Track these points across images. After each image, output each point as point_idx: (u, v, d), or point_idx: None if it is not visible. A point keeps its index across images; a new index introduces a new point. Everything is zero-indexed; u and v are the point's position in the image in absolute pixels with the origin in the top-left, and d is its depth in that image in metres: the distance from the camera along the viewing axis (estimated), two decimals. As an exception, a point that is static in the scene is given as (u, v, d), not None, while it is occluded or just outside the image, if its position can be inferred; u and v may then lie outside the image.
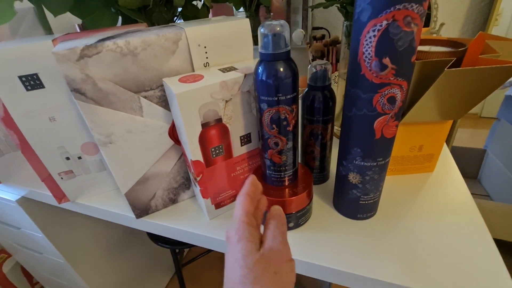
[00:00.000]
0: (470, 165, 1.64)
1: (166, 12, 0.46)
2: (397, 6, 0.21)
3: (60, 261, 0.63)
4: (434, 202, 0.36)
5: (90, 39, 0.29)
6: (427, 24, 0.57)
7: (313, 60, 0.62)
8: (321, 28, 0.71)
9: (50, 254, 0.63)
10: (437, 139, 0.39)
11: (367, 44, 0.23)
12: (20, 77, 0.33)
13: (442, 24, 0.51)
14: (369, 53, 0.24)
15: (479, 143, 1.83)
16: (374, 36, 0.23)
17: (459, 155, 1.60)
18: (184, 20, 0.50)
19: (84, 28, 0.73)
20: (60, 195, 0.43)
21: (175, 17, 0.50)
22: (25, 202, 0.53)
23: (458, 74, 0.27)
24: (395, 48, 0.23)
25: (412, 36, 0.22)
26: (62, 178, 0.41)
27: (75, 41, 0.29)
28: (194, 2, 0.51)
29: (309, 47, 0.61)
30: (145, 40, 0.29)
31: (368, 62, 0.24)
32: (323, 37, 0.63)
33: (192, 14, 0.49)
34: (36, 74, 0.33)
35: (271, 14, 0.92)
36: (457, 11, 0.56)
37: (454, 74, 0.27)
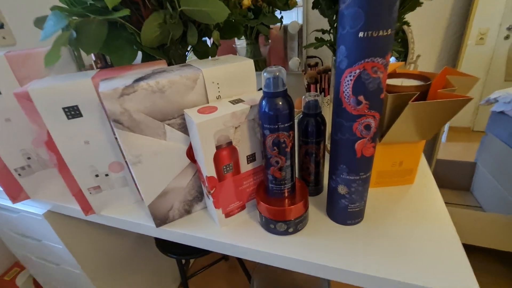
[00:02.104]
0: (462, 177, 1.70)
1: (181, 48, 0.54)
2: (366, 60, 0.28)
3: (77, 272, 0.68)
4: (413, 210, 0.42)
5: (126, 79, 0.36)
6: (406, 56, 0.65)
7: (307, 85, 0.70)
8: (315, 56, 0.79)
9: (68, 265, 0.68)
10: (414, 156, 0.45)
11: (346, 86, 0.31)
12: (63, 108, 0.40)
13: (418, 56, 0.59)
14: (347, 92, 0.31)
15: (471, 156, 1.90)
16: (351, 80, 0.30)
17: (451, 168, 1.67)
18: (195, 54, 0.58)
19: (99, 57, 0.82)
20: (87, 208, 0.49)
21: (187, 52, 0.57)
22: (50, 216, 0.58)
23: (419, 106, 0.34)
24: (367, 89, 0.30)
25: (379, 80, 0.29)
26: (90, 192, 0.47)
27: (114, 81, 0.36)
28: (204, 39, 0.59)
29: (304, 73, 0.69)
30: (170, 80, 0.36)
31: (347, 98, 0.31)
32: (316, 64, 0.71)
33: (203, 50, 0.57)
34: (76, 106, 0.40)
35: (269, 41, 1.01)
36: (433, 43, 0.65)
37: (417, 106, 0.34)
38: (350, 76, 0.30)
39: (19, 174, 0.54)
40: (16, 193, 0.54)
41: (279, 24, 0.92)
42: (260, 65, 1.02)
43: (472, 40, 1.18)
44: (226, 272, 1.18)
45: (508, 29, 1.13)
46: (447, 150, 1.70)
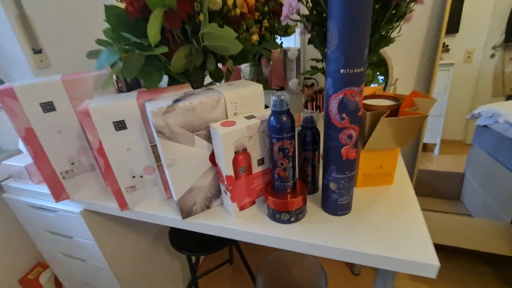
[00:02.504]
0: (453, 187, 1.80)
1: (200, 73, 0.66)
2: (346, 88, 0.39)
3: (101, 266, 0.77)
4: (390, 204, 0.53)
5: (167, 100, 0.47)
6: (387, 79, 0.77)
7: (305, 102, 0.81)
8: (311, 78, 0.91)
9: (94, 260, 0.77)
10: (391, 161, 0.56)
11: (333, 106, 0.42)
12: (113, 122, 0.50)
13: (397, 79, 0.70)
14: (334, 111, 0.42)
15: (462, 167, 2.01)
16: (336, 102, 0.41)
17: (442, 178, 1.77)
18: (211, 77, 0.70)
19: (120, 79, 0.93)
20: (123, 204, 0.58)
21: (205, 76, 0.69)
22: (86, 214, 0.68)
23: (388, 120, 0.45)
24: (347, 109, 0.41)
25: (356, 103, 0.41)
26: (127, 191, 0.57)
27: (157, 102, 0.47)
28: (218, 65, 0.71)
29: (302, 92, 0.81)
30: (200, 101, 0.47)
31: (334, 115, 0.42)
32: (312, 85, 0.82)
33: (218, 74, 0.68)
34: (123, 120, 0.51)
35: (271, 63, 1.14)
36: (410, 68, 0.77)
37: (387, 120, 0.45)
38: (335, 99, 0.41)
39: (63, 177, 0.64)
40: (59, 193, 0.64)
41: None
42: (262, 84, 1.14)
43: (459, 59, 1.30)
44: (231, 275, 1.26)
45: (493, 48, 1.21)
46: (440, 162, 1.80)
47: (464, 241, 1.37)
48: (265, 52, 1.11)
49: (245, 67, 1.16)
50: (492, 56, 1.23)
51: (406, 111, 0.47)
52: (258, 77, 1.17)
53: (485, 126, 1.50)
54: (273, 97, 0.44)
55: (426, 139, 1.60)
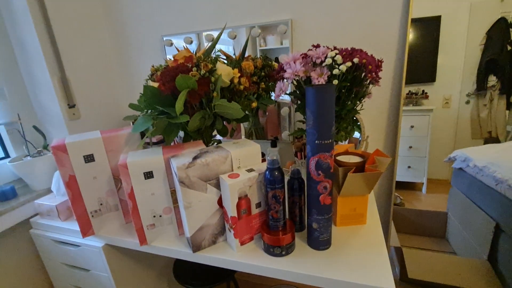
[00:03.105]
0: (438, 225, 1.91)
1: (210, 131, 0.82)
2: (320, 153, 0.55)
3: (113, 298, 0.85)
4: (362, 241, 0.65)
5: (187, 157, 0.62)
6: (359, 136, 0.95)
7: (295, 152, 0.97)
8: (301, 129, 1.08)
9: (107, 292, 0.85)
10: (362, 204, 0.70)
11: (311, 165, 0.57)
12: (144, 173, 0.65)
13: (367, 136, 0.87)
14: (313, 168, 0.57)
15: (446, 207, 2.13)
16: (313, 162, 0.56)
17: (428, 217, 1.89)
18: (218, 134, 0.86)
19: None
20: (143, 240, 0.70)
21: (213, 132, 0.85)
22: (106, 248, 0.79)
23: (354, 175, 0.61)
24: (322, 167, 0.56)
25: (328, 163, 0.56)
26: (148, 228, 0.69)
27: (180, 158, 0.62)
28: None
29: (293, 144, 0.97)
30: (213, 158, 0.62)
31: (313, 172, 0.57)
32: (301, 137, 0.99)
33: (225, 131, 0.85)
34: (151, 171, 0.65)
35: (266, 113, 1.33)
36: (378, 127, 0.95)
37: (352, 175, 0.61)
38: (313, 161, 0.56)
39: (92, 216, 0.76)
40: (87, 230, 0.76)
41: (274, 103, 1.24)
42: (259, 132, 1.32)
43: (438, 105, 1.48)
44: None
45: (467, 95, 1.35)
46: (427, 201, 1.92)
47: (446, 278, 1.45)
48: (261, 106, 1.30)
49: (244, 117, 1.34)
50: (467, 102, 1.36)
51: (367, 168, 0.63)
52: (255, 126, 1.34)
53: (460, 168, 1.66)
54: (268, 158, 0.59)
55: (414, 178, 1.75)
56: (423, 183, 1.81)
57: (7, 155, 1.03)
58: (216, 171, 0.63)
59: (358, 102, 0.71)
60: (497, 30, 1.29)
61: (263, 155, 1.17)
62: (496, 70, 1.29)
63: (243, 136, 1.29)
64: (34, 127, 0.98)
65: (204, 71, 0.69)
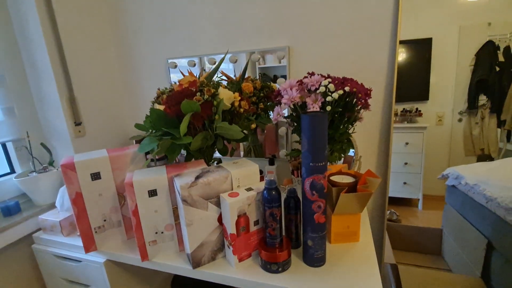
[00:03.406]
0: (434, 242, 1.93)
1: (211, 150, 0.87)
2: (314, 175, 0.59)
3: (111, 315, 0.86)
4: (355, 258, 0.68)
5: (190, 176, 0.66)
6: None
7: (292, 170, 1.02)
8: (297, 149, 1.13)
9: (105, 308, 0.86)
10: (355, 222, 0.73)
11: (306, 185, 0.61)
12: (148, 191, 0.68)
13: (360, 156, 0.93)
14: (307, 189, 0.61)
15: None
16: (308, 183, 0.61)
17: (423, 234, 1.91)
18: (219, 152, 0.90)
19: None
20: (144, 256, 0.73)
21: (214, 151, 0.90)
22: (107, 264, 0.81)
23: (346, 195, 0.65)
24: (316, 188, 0.60)
25: (322, 184, 0.60)
26: (150, 244, 0.72)
27: (183, 177, 0.66)
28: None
29: (290, 162, 1.01)
30: (214, 178, 0.66)
31: (307, 191, 0.61)
32: (298, 156, 1.04)
33: (225, 150, 0.89)
34: (155, 189, 0.69)
35: (265, 132, 1.37)
36: (370, 148, 1.01)
37: (345, 195, 0.65)
38: (308, 181, 0.61)
39: (95, 232, 0.78)
40: (90, 246, 0.78)
41: (272, 122, 1.29)
42: (257, 150, 1.36)
43: (431, 122, 1.52)
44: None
45: (460, 113, 1.38)
46: (423, 217, 1.93)
47: (442, 296, 1.46)
48: (260, 125, 1.35)
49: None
50: (460, 120, 1.40)
51: (359, 188, 0.67)
52: (254, 143, 1.39)
53: (453, 186, 1.70)
54: (266, 178, 0.63)
55: (410, 194, 1.78)
56: (419, 199, 1.83)
57: (12, 171, 1.06)
58: (217, 190, 0.67)
59: (350, 126, 0.76)
60: (485, 52, 1.36)
61: (261, 172, 1.21)
62: (486, 89, 1.34)
63: (241, 153, 1.33)
64: (42, 144, 1.01)
65: (207, 96, 0.75)
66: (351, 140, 0.99)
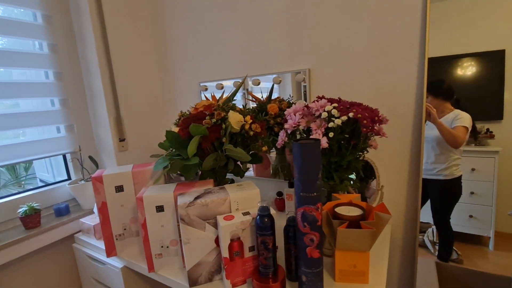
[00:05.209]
0: (503, 296, 1.56)
1: (224, 170, 0.90)
2: (305, 206, 0.57)
3: (126, 319, 0.92)
4: (358, 302, 0.61)
5: (190, 196, 0.69)
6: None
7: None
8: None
9: (122, 311, 0.93)
10: (363, 262, 0.66)
11: (298, 216, 0.58)
12: (156, 206, 0.74)
13: (382, 186, 0.83)
14: (299, 220, 0.58)
15: (518, 273, 1.75)
16: (299, 214, 0.58)
17: (491, 282, 1.58)
18: (232, 173, 0.93)
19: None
20: (151, 267, 0.77)
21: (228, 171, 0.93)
22: (124, 270, 0.88)
23: (343, 231, 0.59)
24: (308, 219, 0.57)
25: (314, 216, 0.57)
26: (156, 257, 0.77)
27: (184, 197, 0.69)
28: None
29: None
30: (212, 200, 0.68)
31: (300, 223, 0.58)
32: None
33: (238, 171, 0.91)
34: (163, 205, 0.74)
35: (292, 152, 1.35)
36: (398, 174, 0.90)
37: (342, 231, 0.59)
38: (299, 212, 0.58)
39: (116, 239, 0.87)
40: (111, 251, 0.87)
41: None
42: (286, 170, 1.34)
43: (507, 146, 1.28)
44: None
45: None
46: (494, 260, 1.63)
47: None
48: (287, 144, 1.33)
49: (272, 155, 1.40)
50: None
51: (363, 224, 0.61)
52: (281, 163, 1.38)
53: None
54: (259, 204, 0.63)
55: (477, 230, 1.52)
56: (489, 237, 1.54)
57: (69, 178, 1.27)
58: (215, 211, 0.69)
59: (360, 153, 0.71)
60: None
61: (281, 194, 1.19)
62: None
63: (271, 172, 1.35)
64: (90, 157, 1.19)
65: (216, 119, 0.79)
66: (374, 168, 0.91)
